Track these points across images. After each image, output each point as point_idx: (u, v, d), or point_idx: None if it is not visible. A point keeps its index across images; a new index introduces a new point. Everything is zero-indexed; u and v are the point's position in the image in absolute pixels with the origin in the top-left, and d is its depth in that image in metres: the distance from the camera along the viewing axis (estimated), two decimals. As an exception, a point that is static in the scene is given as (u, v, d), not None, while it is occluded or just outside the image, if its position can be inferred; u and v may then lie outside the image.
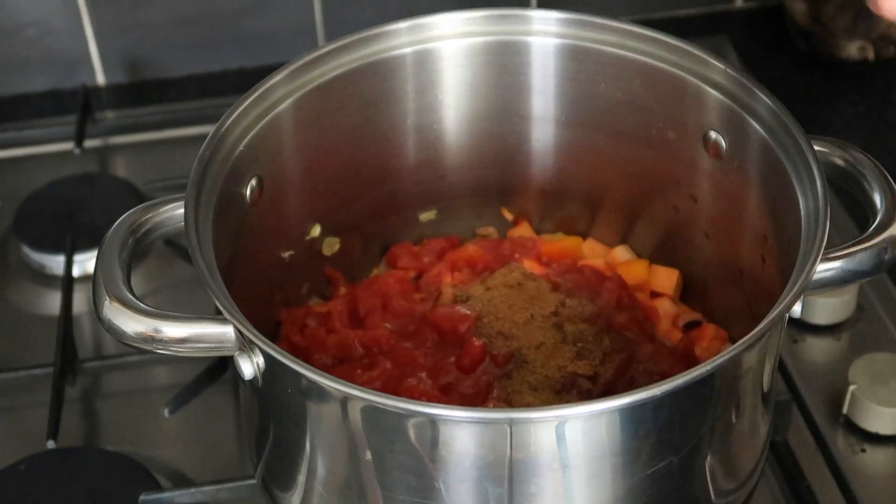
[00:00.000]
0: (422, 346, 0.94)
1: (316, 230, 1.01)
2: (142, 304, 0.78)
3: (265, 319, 0.96)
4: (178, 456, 1.01)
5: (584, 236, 1.07)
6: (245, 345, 0.78)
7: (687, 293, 1.03)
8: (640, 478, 0.78)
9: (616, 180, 1.03)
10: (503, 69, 0.99)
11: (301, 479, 0.83)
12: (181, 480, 0.98)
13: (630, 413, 0.75)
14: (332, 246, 1.03)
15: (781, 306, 0.75)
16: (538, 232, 1.08)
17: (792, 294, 0.76)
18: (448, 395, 0.90)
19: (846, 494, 0.95)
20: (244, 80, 0.98)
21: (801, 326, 1.06)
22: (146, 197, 1.20)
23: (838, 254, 0.80)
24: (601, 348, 0.92)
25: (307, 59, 0.94)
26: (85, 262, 1.15)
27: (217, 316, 0.77)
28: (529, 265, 1.02)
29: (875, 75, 1.36)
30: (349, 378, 0.82)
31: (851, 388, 0.98)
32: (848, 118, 1.32)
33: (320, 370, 0.73)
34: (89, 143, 1.30)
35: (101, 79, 1.38)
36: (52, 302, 1.13)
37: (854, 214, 1.16)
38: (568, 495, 0.77)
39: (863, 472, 0.96)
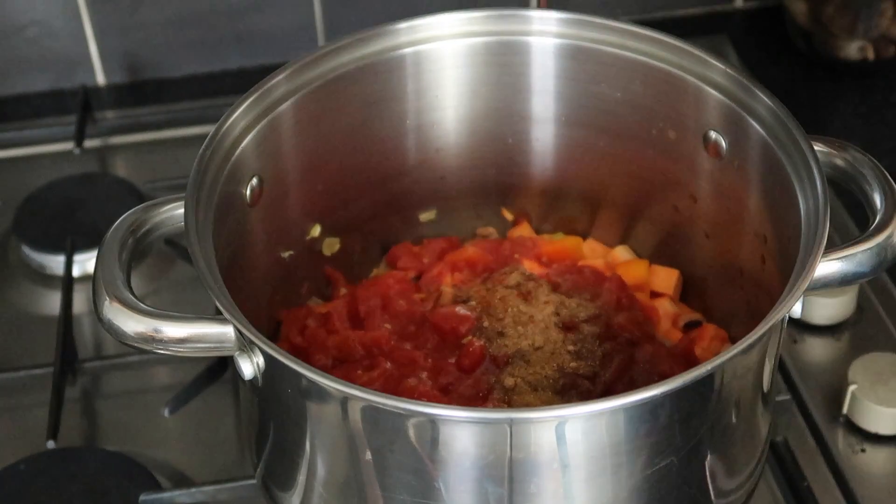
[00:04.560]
0: (422, 346, 0.94)
1: (316, 230, 1.01)
2: (142, 304, 0.78)
3: (265, 319, 0.96)
4: (178, 456, 1.01)
5: (584, 236, 1.07)
6: (245, 345, 0.78)
7: (687, 293, 1.03)
8: (640, 478, 0.78)
9: (616, 180, 1.03)
10: (503, 69, 0.99)
11: (301, 479, 0.83)
12: (181, 480, 0.98)
13: (630, 413, 0.75)
14: (332, 246, 1.02)
15: (781, 306, 0.75)
16: (538, 232, 1.07)
17: (792, 294, 0.76)
18: (448, 396, 0.90)
19: (846, 494, 0.95)
20: (244, 80, 0.98)
21: (801, 326, 1.06)
22: (146, 197, 1.20)
23: (838, 254, 0.80)
24: (601, 348, 0.92)
25: (307, 59, 0.94)
26: (85, 262, 1.15)
27: (217, 316, 0.77)
28: (529, 265, 1.02)
29: (875, 75, 1.36)
30: (349, 378, 0.82)
31: (851, 388, 0.98)
32: (848, 118, 1.32)
33: (320, 370, 0.73)
34: (89, 143, 1.30)
35: (101, 79, 1.38)
36: (52, 302, 1.13)
37: (854, 214, 1.16)
38: (568, 495, 0.77)
39: (863, 472, 0.96)
